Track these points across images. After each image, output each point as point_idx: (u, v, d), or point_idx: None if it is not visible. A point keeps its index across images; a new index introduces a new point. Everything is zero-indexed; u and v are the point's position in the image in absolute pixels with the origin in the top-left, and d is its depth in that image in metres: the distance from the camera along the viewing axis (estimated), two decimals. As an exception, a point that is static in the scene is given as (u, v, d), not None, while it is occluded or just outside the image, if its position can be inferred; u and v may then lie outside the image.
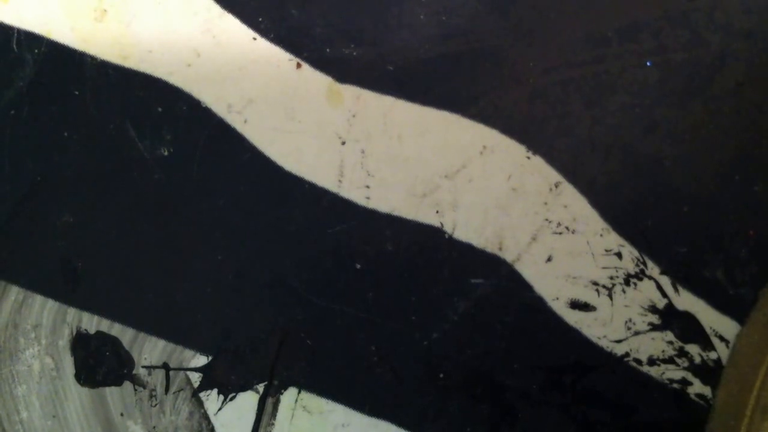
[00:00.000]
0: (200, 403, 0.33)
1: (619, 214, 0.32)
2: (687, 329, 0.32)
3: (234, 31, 0.31)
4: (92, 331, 0.33)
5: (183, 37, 0.31)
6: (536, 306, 0.32)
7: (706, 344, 0.32)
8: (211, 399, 0.33)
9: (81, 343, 0.33)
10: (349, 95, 0.32)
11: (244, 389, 0.33)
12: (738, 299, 0.32)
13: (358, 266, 0.32)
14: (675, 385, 0.32)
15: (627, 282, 0.32)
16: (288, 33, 0.31)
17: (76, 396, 0.33)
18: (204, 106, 0.32)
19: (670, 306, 0.32)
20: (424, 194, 0.32)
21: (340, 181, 0.32)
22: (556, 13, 0.32)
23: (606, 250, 0.32)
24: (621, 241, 0.32)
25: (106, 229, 0.32)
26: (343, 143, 0.32)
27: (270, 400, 0.33)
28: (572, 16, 0.32)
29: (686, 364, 0.32)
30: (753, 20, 0.31)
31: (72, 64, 0.32)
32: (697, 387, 0.32)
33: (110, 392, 0.33)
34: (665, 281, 0.32)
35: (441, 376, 0.32)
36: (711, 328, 0.32)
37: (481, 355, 0.32)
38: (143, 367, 0.33)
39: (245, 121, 0.31)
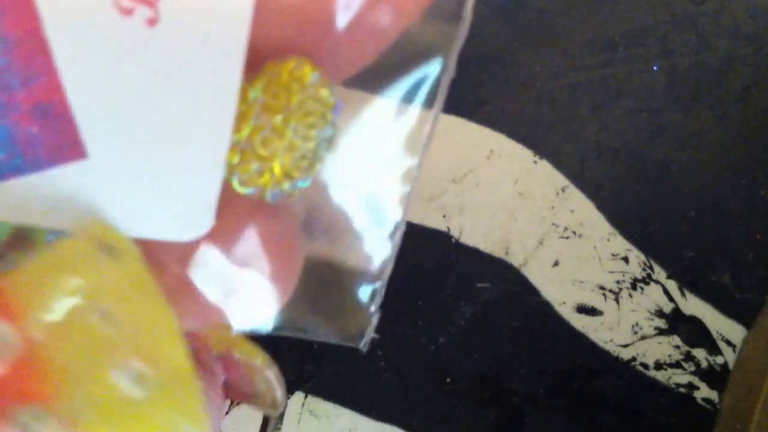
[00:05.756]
0: (207, 408, 0.33)
1: (625, 219, 0.32)
2: (694, 333, 0.32)
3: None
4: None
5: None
6: (543, 310, 0.32)
7: (713, 348, 0.32)
8: (218, 403, 0.33)
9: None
10: (357, 100, 0.32)
11: (250, 393, 0.33)
12: (745, 303, 0.32)
13: (365, 270, 0.32)
14: (682, 390, 0.32)
15: (634, 286, 0.32)
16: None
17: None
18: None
19: (676, 310, 0.32)
20: (431, 198, 0.32)
21: (346, 185, 0.32)
22: (563, 18, 0.32)
23: (613, 255, 0.32)
24: (628, 245, 0.32)
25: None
26: (350, 147, 0.32)
27: (277, 405, 0.33)
28: (579, 20, 0.32)
29: (693, 368, 0.32)
30: (759, 24, 0.31)
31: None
32: (704, 391, 0.32)
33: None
34: (672, 285, 0.32)
35: (448, 380, 0.32)
36: (718, 332, 0.32)
37: (488, 359, 0.32)
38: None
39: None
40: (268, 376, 0.20)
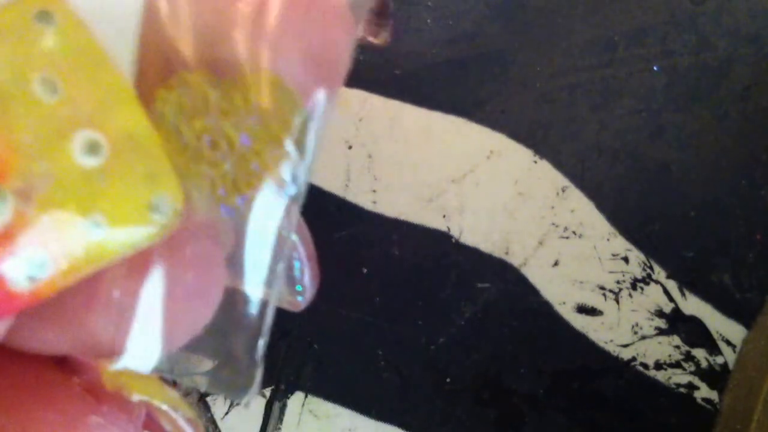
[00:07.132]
0: (207, 408, 0.33)
1: (625, 219, 0.32)
2: (694, 333, 0.32)
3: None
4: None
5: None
6: (543, 310, 0.32)
7: (713, 349, 0.32)
8: (218, 403, 0.33)
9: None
10: (356, 99, 0.32)
11: (250, 393, 0.33)
12: (745, 303, 0.32)
13: (365, 271, 0.32)
14: (682, 390, 0.32)
15: (634, 286, 0.32)
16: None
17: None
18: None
19: (676, 310, 0.32)
20: (431, 198, 0.32)
21: (346, 185, 0.32)
22: (563, 18, 0.32)
23: (613, 255, 0.32)
24: (628, 245, 0.32)
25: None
26: (350, 147, 0.32)
27: (277, 405, 0.33)
28: (579, 20, 0.32)
29: (693, 368, 0.32)
30: (760, 24, 0.31)
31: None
32: (704, 391, 0.32)
33: (117, 396, 0.33)
34: (672, 285, 0.32)
35: (448, 380, 0.32)
36: (718, 332, 0.32)
37: (488, 359, 0.32)
38: (150, 371, 0.33)
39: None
40: (175, 417, 0.19)
